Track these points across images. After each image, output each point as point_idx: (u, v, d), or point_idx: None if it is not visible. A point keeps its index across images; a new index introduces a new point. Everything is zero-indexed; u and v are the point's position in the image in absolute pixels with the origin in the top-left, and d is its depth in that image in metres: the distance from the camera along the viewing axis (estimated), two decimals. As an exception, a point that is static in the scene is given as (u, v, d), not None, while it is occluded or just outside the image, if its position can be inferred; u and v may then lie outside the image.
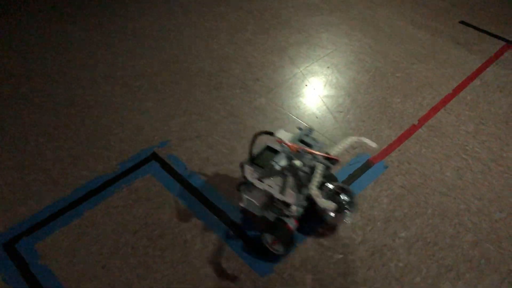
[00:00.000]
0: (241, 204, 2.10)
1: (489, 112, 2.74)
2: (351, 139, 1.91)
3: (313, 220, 2.16)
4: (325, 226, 2.14)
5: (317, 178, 1.72)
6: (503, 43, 3.34)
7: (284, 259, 2.05)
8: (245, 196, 2.03)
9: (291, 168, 1.78)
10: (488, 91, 2.88)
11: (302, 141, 1.88)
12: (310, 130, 1.92)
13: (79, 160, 2.46)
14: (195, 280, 1.98)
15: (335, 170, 2.04)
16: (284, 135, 1.86)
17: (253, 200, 2.02)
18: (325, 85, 2.92)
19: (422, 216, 2.21)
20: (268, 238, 2.00)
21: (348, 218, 1.99)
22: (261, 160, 1.91)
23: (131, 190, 2.32)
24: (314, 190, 1.68)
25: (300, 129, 1.93)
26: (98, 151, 2.50)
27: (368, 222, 2.18)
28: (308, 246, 2.09)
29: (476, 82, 2.96)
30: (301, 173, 1.82)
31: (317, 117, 2.71)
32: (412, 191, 2.32)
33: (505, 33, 3.49)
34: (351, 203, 1.97)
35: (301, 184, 1.83)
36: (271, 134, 1.90)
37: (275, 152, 1.93)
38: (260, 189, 1.98)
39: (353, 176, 2.39)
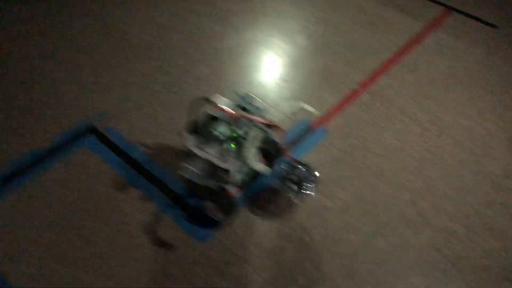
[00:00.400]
0: (182, 173, 2.08)
1: (428, 76, 2.79)
2: (291, 105, 1.91)
3: (257, 187, 2.16)
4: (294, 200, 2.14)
5: (252, 142, 1.71)
6: (444, 9, 3.39)
7: (224, 225, 2.04)
8: (186, 165, 2.01)
9: (229, 134, 1.77)
10: (428, 55, 2.93)
11: (240, 107, 1.86)
12: (248, 95, 1.90)
13: (13, 134, 2.36)
14: (134, 249, 1.95)
15: (280, 137, 2.04)
16: (223, 101, 1.84)
17: (194, 169, 2.00)
18: (269, 54, 2.90)
19: (360, 177, 2.25)
20: (209, 206, 2.00)
21: (311, 191, 1.99)
22: (200, 128, 1.88)
23: (67, 163, 2.25)
24: (247, 154, 1.68)
25: (238, 94, 1.91)
26: (33, 125, 2.42)
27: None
28: (248, 211, 2.09)
29: (417, 47, 3.00)
30: (241, 140, 1.81)
31: (262, 86, 2.69)
32: (352, 154, 2.35)
33: (447, -1, 3.55)
34: (310, 177, 1.97)
35: (241, 151, 1.82)
36: (208, 100, 1.87)
37: (215, 119, 1.91)
38: (201, 157, 1.97)
39: (295, 142, 2.40)
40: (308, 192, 1.97)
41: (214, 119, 1.91)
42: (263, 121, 1.80)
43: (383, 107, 2.59)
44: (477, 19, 3.28)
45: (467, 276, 1.91)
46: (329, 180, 2.22)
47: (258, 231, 2.03)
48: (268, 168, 1.71)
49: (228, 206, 1.96)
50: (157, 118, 2.46)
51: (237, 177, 1.95)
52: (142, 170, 2.23)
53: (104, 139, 2.36)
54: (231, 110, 1.77)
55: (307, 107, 1.87)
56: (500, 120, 2.54)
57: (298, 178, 1.96)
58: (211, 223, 2.05)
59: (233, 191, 1.98)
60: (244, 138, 1.82)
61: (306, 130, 2.46)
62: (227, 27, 3.07)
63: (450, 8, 3.40)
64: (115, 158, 2.28)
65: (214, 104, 1.80)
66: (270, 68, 2.80)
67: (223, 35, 3.00)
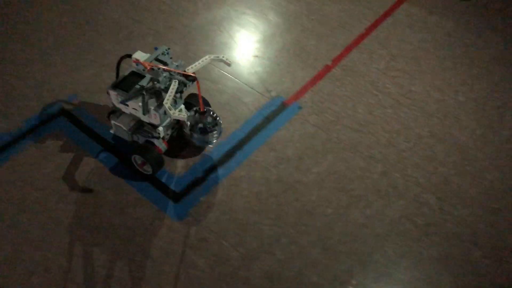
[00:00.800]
0: (112, 131, 2.13)
1: (399, 49, 2.81)
2: (208, 57, 1.95)
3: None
4: (194, 148, 2.21)
5: (170, 92, 1.77)
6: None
7: (199, 202, 2.05)
8: (114, 122, 2.05)
9: (150, 87, 1.84)
10: (399, 28, 2.94)
11: (158, 60, 1.90)
12: (167, 49, 1.94)
13: (-21, 120, 2.30)
14: (108, 230, 1.94)
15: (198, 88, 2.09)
16: (141, 55, 1.89)
17: (121, 126, 2.04)
18: (240, 31, 2.87)
19: (333, 151, 2.27)
20: (137, 159, 2.05)
21: (213, 139, 2.02)
22: (125, 84, 1.93)
23: (38, 147, 2.21)
24: (167, 104, 1.73)
25: (156, 48, 1.95)
26: (1, 108, 2.35)
27: (281, 160, 2.22)
28: (219, 187, 2.10)
29: (388, 20, 3.02)
30: (162, 92, 1.89)
31: (234, 63, 2.67)
32: (325, 128, 2.37)
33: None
34: (215, 124, 1.99)
35: (161, 103, 1.89)
36: (129, 56, 1.92)
37: (139, 76, 1.95)
38: (127, 114, 2.01)
39: (268, 118, 2.40)
40: (213, 138, 2.01)
41: (140, 76, 1.95)
42: (179, 71, 1.86)
43: (355, 82, 2.60)
44: (446, -8, 3.31)
45: (439, 244, 1.97)
46: (303, 154, 2.24)
47: (233, 206, 2.04)
48: (185, 114, 1.76)
49: (156, 160, 2.00)
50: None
51: (163, 131, 2.01)
52: (115, 152, 2.21)
53: (75, 121, 2.32)
54: (147, 62, 1.82)
55: (224, 58, 1.93)
56: (470, 91, 2.59)
57: (204, 126, 1.97)
58: (186, 200, 2.05)
59: (160, 145, 2.04)
60: (164, 90, 1.88)
61: (280, 107, 2.46)
62: (198, 5, 3.01)
63: (420, -19, 3.41)
64: (88, 140, 2.24)
65: (133, 60, 1.85)
66: (242, 45, 2.77)
67: (194, 13, 2.95)
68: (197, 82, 1.87)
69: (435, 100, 2.54)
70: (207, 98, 2.45)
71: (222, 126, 2.05)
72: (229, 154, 2.23)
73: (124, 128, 2.03)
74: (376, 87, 2.59)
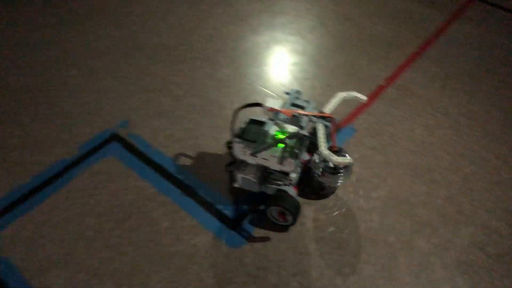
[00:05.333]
0: (236, 185, 2.02)
1: (454, 68, 2.70)
2: (341, 95, 1.84)
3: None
4: (320, 195, 2.08)
5: (322, 138, 1.66)
6: (466, -2, 3.31)
7: (254, 230, 1.98)
8: (240, 175, 1.93)
9: (292, 135, 1.72)
10: (453, 46, 2.84)
11: (294, 105, 1.81)
12: (298, 91, 1.86)
13: (36, 146, 2.33)
14: (165, 259, 1.90)
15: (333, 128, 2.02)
16: (275, 103, 1.76)
17: (249, 178, 1.92)
18: (289, 53, 2.84)
19: (393, 175, 2.17)
20: (274, 211, 1.93)
21: (342, 179, 1.92)
22: (249, 134, 1.81)
23: (92, 173, 2.21)
24: (325, 151, 1.62)
25: (287, 93, 1.85)
26: (56, 135, 2.38)
27: (340, 185, 2.14)
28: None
29: (441, 38, 2.92)
30: (304, 138, 1.78)
31: (283, 86, 2.63)
32: (382, 151, 2.27)
33: (468, -12, 3.45)
34: (347, 167, 1.91)
35: (302, 149, 1.79)
36: (259, 105, 1.80)
37: (260, 123, 1.84)
38: (253, 164, 1.90)
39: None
40: (343, 178, 1.92)
41: (259, 123, 1.84)
42: (318, 114, 1.75)
43: (411, 102, 2.51)
44: (500, 7, 3.19)
45: (513, 275, 1.83)
46: (361, 179, 2.16)
47: (292, 234, 1.97)
48: (349, 158, 1.65)
49: (295, 208, 1.87)
50: (181, 123, 2.41)
51: (295, 177, 1.90)
52: (169, 177, 2.18)
53: (129, 147, 2.31)
54: (286, 109, 1.72)
55: (356, 94, 1.81)
56: (535, 110, 2.45)
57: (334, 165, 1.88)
58: (241, 227, 1.99)
59: (292, 192, 1.92)
60: (307, 136, 1.76)
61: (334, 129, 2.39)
62: (245, 28, 3.01)
63: (472, -3, 3.31)
64: (141, 165, 2.23)
65: (269, 108, 1.73)
66: (291, 68, 2.73)
67: (242, 36, 2.94)
68: (334, 122, 1.79)
69: (497, 120, 2.41)
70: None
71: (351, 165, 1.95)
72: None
73: (254, 180, 1.93)
74: (433, 107, 2.48)
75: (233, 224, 2.02)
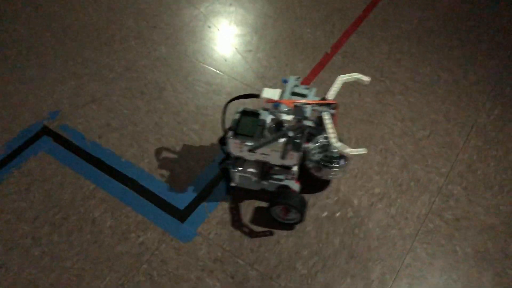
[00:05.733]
0: (233, 184, 1.84)
1: (400, 30, 2.63)
2: (342, 78, 1.65)
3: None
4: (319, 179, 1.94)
5: (331, 128, 1.48)
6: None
7: (208, 218, 1.86)
8: (239, 174, 1.76)
9: (295, 127, 1.53)
10: (397, 8, 2.76)
11: (294, 94, 1.59)
12: (297, 78, 1.64)
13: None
14: (111, 261, 1.75)
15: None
16: (272, 93, 1.58)
17: (248, 175, 1.76)
18: (229, 24, 2.66)
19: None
20: (278, 211, 1.78)
21: (340, 172, 1.80)
22: (244, 128, 1.61)
23: (23, 172, 1.99)
24: (337, 143, 1.44)
25: (285, 81, 1.64)
26: (-25, 135, 2.13)
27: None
28: (228, 198, 1.91)
29: (384, 1, 2.83)
30: (307, 130, 1.60)
31: (225, 60, 2.47)
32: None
33: None
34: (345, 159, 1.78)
35: (303, 140, 1.61)
36: (255, 96, 1.63)
37: (254, 115, 1.65)
38: (251, 160, 1.73)
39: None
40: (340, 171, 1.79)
41: (253, 114, 1.65)
42: (321, 102, 1.55)
43: (358, 69, 2.42)
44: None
45: (473, 239, 1.81)
46: (314, 154, 2.06)
47: (247, 219, 1.86)
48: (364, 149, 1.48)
49: (301, 203, 1.71)
50: (118, 109, 2.22)
51: (296, 170, 1.74)
52: (108, 170, 2.00)
53: (61, 140, 2.10)
54: (287, 100, 1.52)
55: (359, 75, 1.62)
56: (481, 69, 2.42)
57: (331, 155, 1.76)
58: (191, 218, 1.86)
59: (295, 186, 1.77)
60: (312, 127, 1.56)
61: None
62: (180, 0, 2.79)
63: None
64: (76, 160, 2.03)
65: (267, 100, 1.55)
66: (233, 41, 2.57)
67: (177, 10, 2.73)
68: (337, 109, 1.60)
69: (444, 81, 2.37)
70: (203, 101, 2.25)
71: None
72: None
73: (254, 177, 1.76)
74: (382, 73, 2.41)
75: (183, 215, 1.88)
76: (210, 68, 2.42)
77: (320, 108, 1.54)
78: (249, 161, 1.74)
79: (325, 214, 1.88)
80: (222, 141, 1.73)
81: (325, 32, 2.61)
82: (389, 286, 1.70)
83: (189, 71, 2.40)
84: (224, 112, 1.68)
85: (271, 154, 1.64)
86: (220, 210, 1.88)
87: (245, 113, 1.66)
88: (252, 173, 1.75)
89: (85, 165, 2.02)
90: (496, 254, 1.78)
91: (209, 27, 2.64)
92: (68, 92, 2.29)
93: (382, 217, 1.87)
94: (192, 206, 1.90)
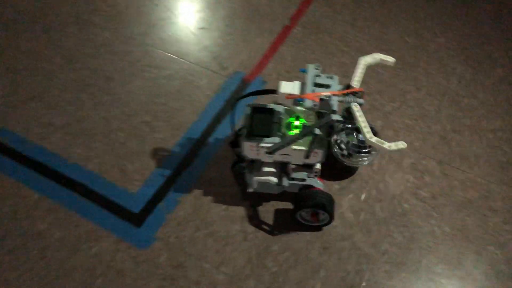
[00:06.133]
0: (250, 190, 1.63)
1: (363, -6, 2.45)
2: (364, 61, 1.43)
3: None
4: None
5: (363, 121, 1.29)
6: None
7: (166, 221, 1.70)
8: (257, 179, 1.56)
9: (323, 123, 1.33)
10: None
11: (317, 85, 1.37)
12: (317, 66, 1.41)
13: None
14: (61, 278, 1.58)
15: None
16: (291, 87, 1.38)
17: (268, 179, 1.57)
18: (179, 1, 2.44)
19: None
20: (305, 214, 1.61)
21: (369, 159, 1.64)
22: (258, 128, 1.41)
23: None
24: (373, 138, 1.25)
25: (303, 71, 1.42)
26: None
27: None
28: (187, 197, 1.75)
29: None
30: (336, 124, 1.44)
31: (177, 41, 2.26)
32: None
33: None
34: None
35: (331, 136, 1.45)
36: (272, 92, 1.44)
37: (267, 111, 1.45)
38: (269, 162, 1.53)
39: (230, 101, 2.03)
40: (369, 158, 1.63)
41: (266, 111, 1.45)
42: (348, 91, 1.35)
43: (321, 41, 2.25)
44: None
45: (451, 217, 1.71)
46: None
47: (209, 218, 1.71)
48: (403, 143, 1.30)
49: (330, 203, 1.55)
50: (60, 106, 2.00)
51: (319, 167, 1.57)
52: (53, 176, 1.81)
53: (-4, 146, 1.89)
54: (311, 94, 1.32)
55: (382, 56, 1.41)
56: (449, 31, 2.28)
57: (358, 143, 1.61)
58: (148, 223, 1.70)
59: (319, 184, 1.60)
60: (341, 121, 1.36)
61: (241, 84, 2.10)
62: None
63: None
64: (16, 166, 1.83)
65: (287, 96, 1.35)
66: (183, 19, 2.35)
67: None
68: (363, 96, 1.40)
69: (413, 47, 2.22)
70: (154, 89, 2.06)
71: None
72: (192, 153, 1.87)
73: (274, 182, 1.57)
74: (346, 43, 2.24)
75: (139, 219, 1.72)
76: (160, 51, 2.21)
77: (347, 99, 1.34)
78: (267, 163, 1.56)
79: (287, 203, 1.74)
80: (234, 143, 1.54)
81: (283, 2, 2.41)
82: (366, 277, 1.59)
83: (137, 56, 2.19)
84: (233, 111, 1.49)
85: (293, 154, 1.45)
86: (180, 210, 1.72)
87: (256, 110, 1.45)
88: (273, 177, 1.56)
89: (27, 172, 1.82)
90: (475, 230, 1.68)
91: (156, 5, 2.41)
92: (2, 90, 2.06)
93: (353, 202, 1.74)
94: (149, 208, 1.74)
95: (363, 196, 1.75)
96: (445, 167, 1.82)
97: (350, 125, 1.61)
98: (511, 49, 2.20)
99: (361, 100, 1.34)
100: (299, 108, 1.38)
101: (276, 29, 2.30)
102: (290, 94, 1.36)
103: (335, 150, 1.64)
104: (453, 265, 1.60)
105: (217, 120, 1.97)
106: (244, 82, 2.10)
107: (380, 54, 1.43)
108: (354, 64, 2.04)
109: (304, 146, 1.41)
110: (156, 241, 1.65)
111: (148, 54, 2.20)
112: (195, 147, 1.89)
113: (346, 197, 1.75)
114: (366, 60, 1.43)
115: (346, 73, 2.12)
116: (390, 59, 1.42)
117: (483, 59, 2.16)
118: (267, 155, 1.45)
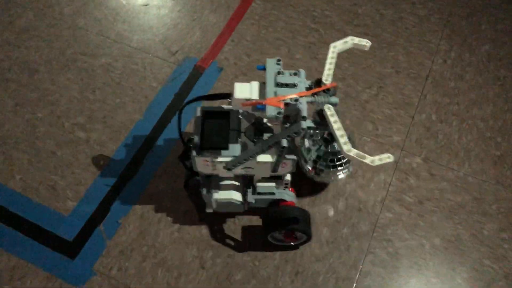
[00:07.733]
0: (209, 210, 1.35)
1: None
2: (335, 48, 1.13)
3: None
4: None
5: (338, 128, 1.04)
6: None
7: (106, 248, 1.41)
8: (217, 198, 1.27)
9: (293, 132, 1.05)
10: None
11: (280, 85, 1.08)
12: (278, 60, 1.12)
13: None
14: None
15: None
16: (249, 90, 1.08)
17: (233, 200, 1.28)
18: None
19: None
20: (278, 235, 1.34)
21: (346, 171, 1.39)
22: (212, 139, 1.14)
23: None
24: (352, 152, 1.00)
25: (261, 68, 1.13)
26: None
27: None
28: (130, 217, 1.46)
29: None
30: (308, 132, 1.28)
31: (115, 21, 1.90)
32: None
33: None
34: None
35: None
36: (225, 96, 1.18)
37: (221, 115, 1.17)
38: (229, 177, 1.27)
39: (180, 95, 1.72)
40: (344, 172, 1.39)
41: (219, 115, 1.18)
42: (319, 89, 1.08)
43: (285, 17, 1.94)
44: None
45: (440, 225, 1.48)
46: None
47: (158, 242, 1.43)
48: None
49: (305, 218, 1.30)
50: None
51: (289, 178, 1.31)
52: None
53: None
54: (274, 99, 1.04)
55: (357, 40, 1.11)
56: (431, 0, 2.00)
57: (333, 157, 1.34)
58: (85, 255, 1.41)
59: (291, 196, 1.34)
60: (313, 128, 1.12)
61: (193, 73, 1.78)
62: None
63: None
64: None
65: (243, 103, 1.07)
66: (123, -7, 1.99)
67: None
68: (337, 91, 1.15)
69: (390, 21, 1.94)
70: (89, 82, 1.73)
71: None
72: (136, 161, 1.57)
73: (238, 201, 1.28)
74: (314, 18, 1.94)
75: (73, 248, 1.42)
76: (94, 34, 1.86)
77: (318, 99, 1.07)
78: (227, 178, 1.29)
79: (256, 217, 1.47)
80: (184, 157, 1.24)
81: (239, -29, 2.07)
82: (347, 305, 1.35)
83: (67, 41, 1.84)
84: (179, 119, 1.19)
85: (257, 167, 1.19)
86: (123, 234, 1.44)
87: (207, 114, 1.17)
88: (236, 195, 1.28)
89: None
90: (469, 241, 1.46)
91: (90, -22, 2.03)
92: None
93: (328, 214, 1.49)
94: (85, 234, 1.44)
95: (339, 205, 1.50)
96: (432, 166, 1.58)
97: (319, 135, 1.34)
98: (498, 21, 1.94)
99: (335, 99, 1.09)
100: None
101: (232, 4, 1.97)
102: (247, 100, 1.07)
103: (302, 163, 1.38)
104: (446, 284, 1.38)
105: (165, 118, 1.67)
106: (197, 70, 1.79)
107: (354, 38, 1.17)
108: (323, 44, 1.76)
109: (270, 158, 1.15)
110: (94, 276, 1.37)
111: (80, 38, 1.85)
112: (140, 154, 1.58)
113: (319, 208, 1.49)
114: (337, 47, 1.15)
115: (315, 55, 1.82)
116: (365, 42, 1.16)
117: (470, 33, 1.90)
118: (223, 169, 1.18)
